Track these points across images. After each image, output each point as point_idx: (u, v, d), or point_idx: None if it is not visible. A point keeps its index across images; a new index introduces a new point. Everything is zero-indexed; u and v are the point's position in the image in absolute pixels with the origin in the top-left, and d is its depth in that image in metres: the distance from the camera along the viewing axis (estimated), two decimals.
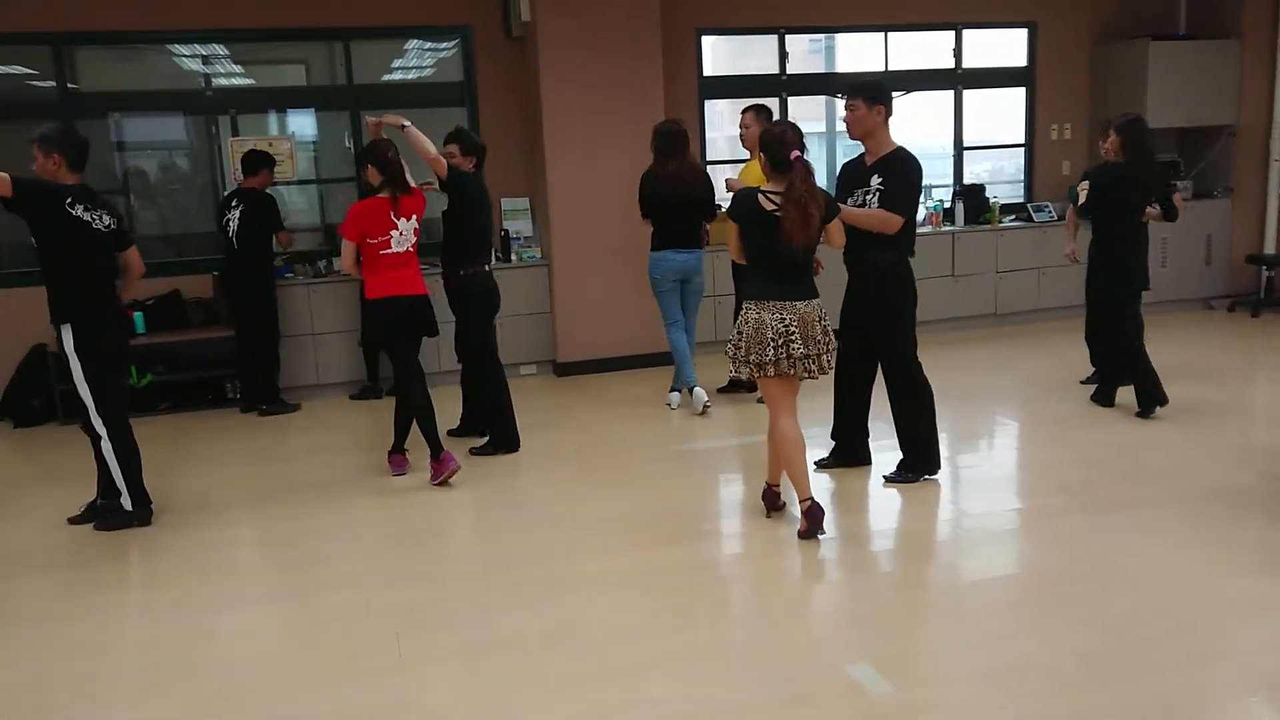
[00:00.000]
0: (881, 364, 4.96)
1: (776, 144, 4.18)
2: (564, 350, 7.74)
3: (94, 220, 4.61)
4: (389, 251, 5.21)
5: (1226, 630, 3.41)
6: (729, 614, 3.77)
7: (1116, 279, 6.02)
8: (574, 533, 4.59)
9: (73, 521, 4.91)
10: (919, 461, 5.02)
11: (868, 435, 5.21)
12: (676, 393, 6.63)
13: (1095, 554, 4.06)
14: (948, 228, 8.78)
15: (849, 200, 4.79)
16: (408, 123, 5.27)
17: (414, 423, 5.40)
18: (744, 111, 6.47)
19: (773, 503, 4.61)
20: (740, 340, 4.29)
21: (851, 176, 4.87)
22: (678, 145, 6.27)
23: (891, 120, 4.76)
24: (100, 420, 4.71)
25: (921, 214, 8.76)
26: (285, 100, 8.15)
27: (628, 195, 6.58)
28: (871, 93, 4.70)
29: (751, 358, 4.24)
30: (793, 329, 4.18)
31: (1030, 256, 8.85)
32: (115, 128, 7.58)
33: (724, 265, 7.13)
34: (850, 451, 5.21)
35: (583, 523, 4.72)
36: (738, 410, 6.58)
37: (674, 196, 6.27)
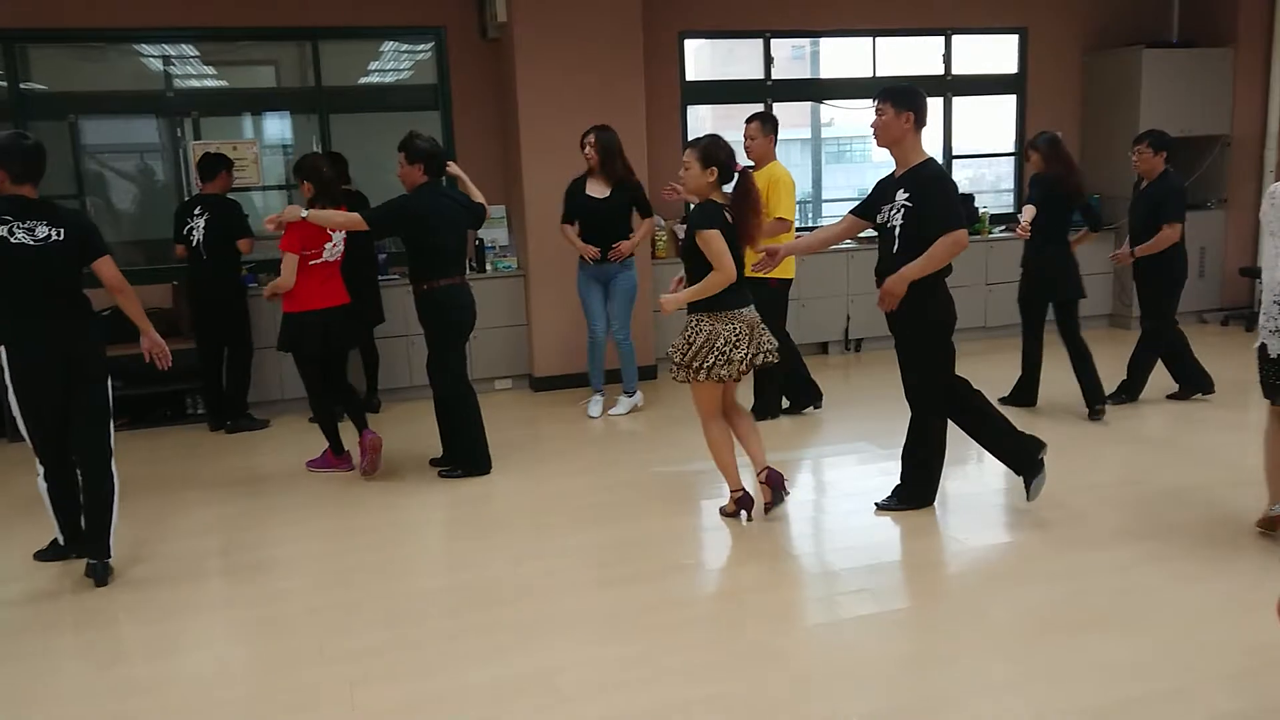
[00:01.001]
0: (905, 387, 4.70)
1: (730, 159, 4.40)
2: (540, 364, 7.46)
3: (11, 234, 4.04)
4: (319, 261, 5.40)
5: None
6: (710, 661, 3.49)
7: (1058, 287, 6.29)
8: (547, 565, 4.32)
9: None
10: (910, 492, 4.79)
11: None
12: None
13: (1098, 595, 3.82)
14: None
15: (876, 218, 4.54)
16: (305, 212, 5.16)
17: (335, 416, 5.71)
18: (748, 122, 6.26)
19: (749, 505, 4.69)
20: (689, 350, 4.40)
21: (880, 192, 4.58)
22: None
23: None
24: (37, 456, 4.33)
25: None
26: (251, 102, 7.84)
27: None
28: (900, 97, 4.38)
29: (707, 362, 4.36)
30: (742, 335, 4.38)
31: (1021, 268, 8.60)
32: (72, 130, 7.25)
33: None
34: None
35: (556, 553, 4.45)
36: None
37: (590, 205, 6.33)
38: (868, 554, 4.36)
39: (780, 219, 6.06)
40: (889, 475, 5.00)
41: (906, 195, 4.38)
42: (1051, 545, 4.33)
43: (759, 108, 8.48)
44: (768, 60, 8.45)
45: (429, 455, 5.79)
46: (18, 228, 4.09)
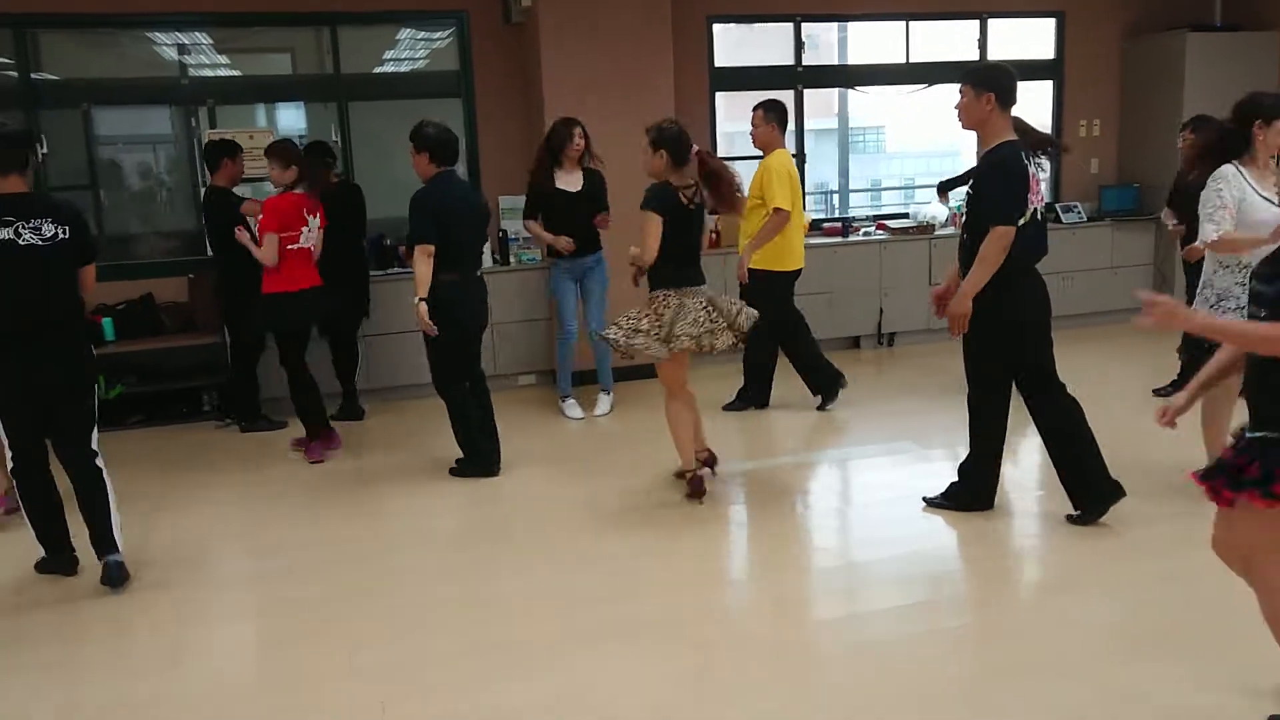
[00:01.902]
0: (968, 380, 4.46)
1: (677, 141, 4.58)
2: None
3: (19, 235, 3.84)
4: (296, 246, 5.50)
5: None
6: (760, 682, 3.26)
7: None
8: (575, 573, 4.11)
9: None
10: (966, 494, 4.56)
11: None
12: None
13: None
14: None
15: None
16: (419, 298, 5.02)
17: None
18: (755, 109, 6.08)
19: (698, 486, 4.82)
20: (660, 323, 4.52)
21: (966, 178, 4.38)
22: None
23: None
24: (14, 459, 4.08)
25: (944, 214, 8.30)
26: (267, 91, 7.64)
27: (634, 192, 6.08)
28: (980, 77, 4.13)
29: (676, 331, 4.49)
30: (706, 308, 4.59)
31: (1059, 260, 8.32)
32: (85, 119, 7.06)
33: None
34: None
35: (583, 560, 4.23)
36: (744, 430, 6.12)
37: (562, 197, 6.13)
38: (921, 562, 4.12)
39: (778, 209, 5.87)
40: (934, 477, 4.78)
41: (972, 182, 4.21)
42: (1115, 553, 4.09)
43: (789, 94, 8.32)
44: (798, 45, 8.19)
45: (439, 456, 5.56)
46: (24, 228, 3.86)
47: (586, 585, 3.99)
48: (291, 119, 7.80)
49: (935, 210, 8.30)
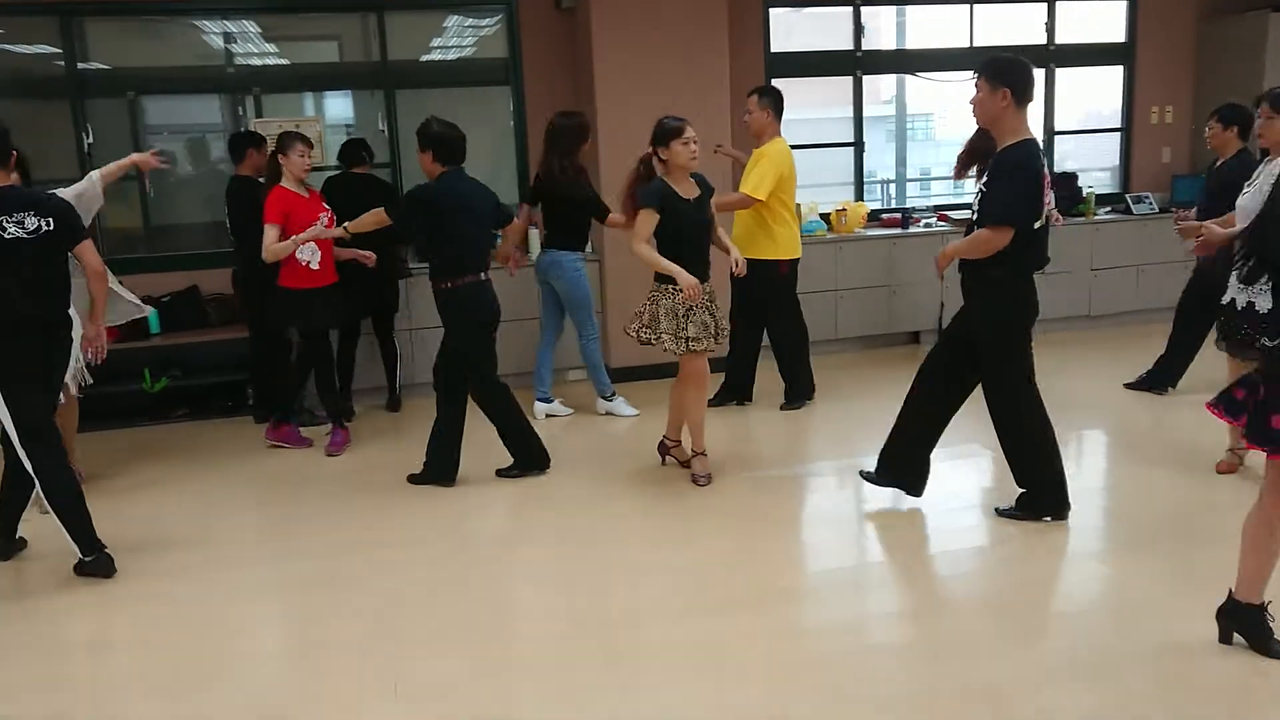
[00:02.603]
0: (984, 390, 4.29)
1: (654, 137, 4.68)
2: (616, 354, 7.03)
3: (3, 230, 3.89)
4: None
5: None
6: (848, 714, 3.05)
7: None
8: (632, 587, 3.90)
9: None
10: (1038, 501, 4.31)
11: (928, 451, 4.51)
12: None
13: None
14: (1037, 222, 7.93)
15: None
16: (346, 226, 5.23)
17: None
18: (749, 95, 5.93)
19: (666, 452, 5.15)
20: (681, 321, 4.65)
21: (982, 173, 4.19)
22: (564, 140, 5.79)
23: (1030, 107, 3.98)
24: (24, 452, 4.03)
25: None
26: (314, 79, 7.51)
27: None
28: (994, 71, 3.94)
29: (685, 334, 4.65)
30: (700, 313, 4.68)
31: (1129, 252, 8.02)
32: (132, 108, 6.97)
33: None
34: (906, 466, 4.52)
35: (640, 572, 4.03)
36: (789, 429, 5.89)
37: (554, 195, 5.87)
38: (1009, 586, 3.88)
39: (746, 194, 5.76)
40: (1006, 482, 4.52)
41: (985, 179, 4.03)
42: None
43: (848, 82, 8.05)
44: (857, 29, 7.91)
45: (484, 457, 5.34)
46: (8, 221, 3.91)
47: (649, 597, 3.79)
48: (338, 107, 7.67)
49: None
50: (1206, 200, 5.59)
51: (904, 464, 4.49)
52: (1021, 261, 4.01)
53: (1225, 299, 3.95)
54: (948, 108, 8.93)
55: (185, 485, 5.29)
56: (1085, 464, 5.41)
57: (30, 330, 3.99)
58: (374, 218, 5.05)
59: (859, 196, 8.26)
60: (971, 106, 4.04)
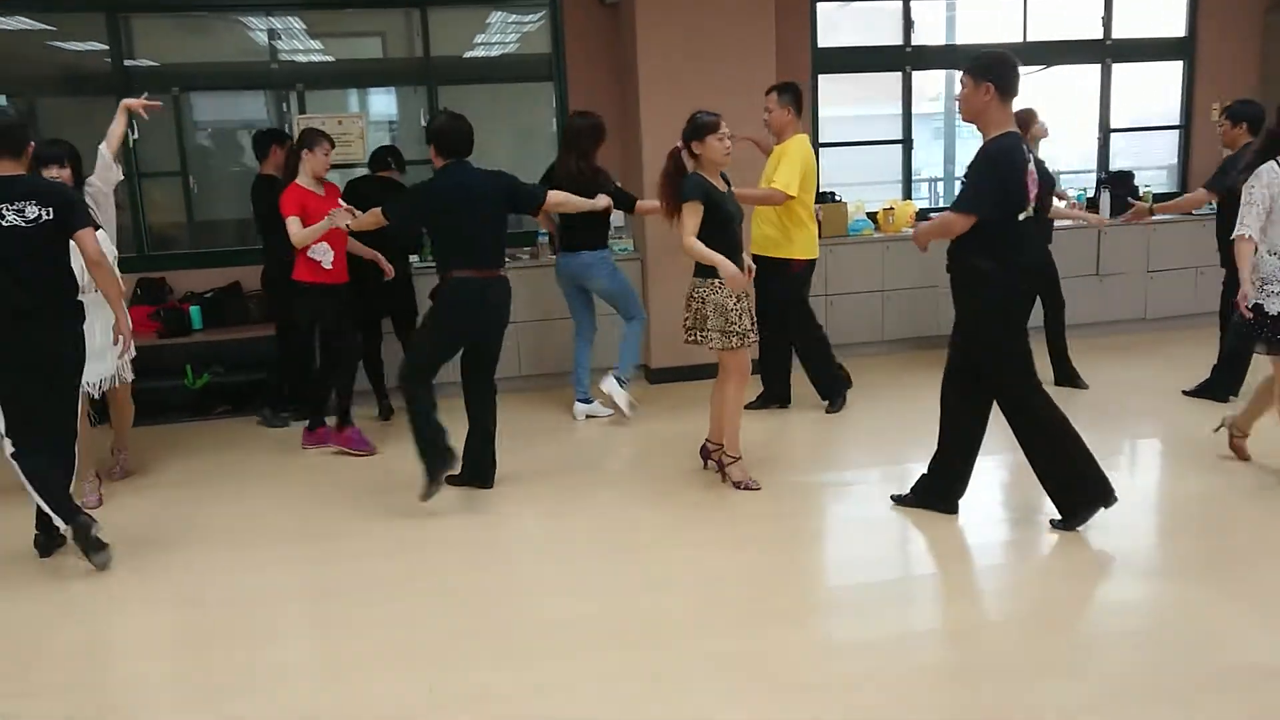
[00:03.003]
0: (998, 403, 4.23)
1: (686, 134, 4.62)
2: (657, 354, 6.94)
3: (2, 217, 3.96)
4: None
5: None
6: None
7: None
8: (677, 595, 3.79)
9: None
10: (1078, 503, 4.16)
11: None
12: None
13: None
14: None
15: None
16: (350, 221, 5.15)
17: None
18: (768, 92, 5.79)
19: (709, 456, 5.01)
20: (730, 314, 4.61)
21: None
22: (581, 141, 5.77)
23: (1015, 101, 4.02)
24: (9, 440, 4.08)
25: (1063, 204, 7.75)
26: (358, 75, 7.49)
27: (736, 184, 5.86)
28: (977, 67, 3.98)
29: (733, 329, 4.62)
30: (742, 300, 4.67)
31: (1187, 254, 7.76)
32: (176, 104, 6.98)
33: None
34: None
35: (686, 580, 3.92)
36: (830, 434, 5.75)
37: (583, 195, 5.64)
38: (1056, 602, 3.73)
39: (775, 189, 5.62)
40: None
41: (966, 173, 4.08)
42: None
43: (890, 78, 7.88)
44: (907, 24, 7.74)
45: (517, 459, 5.29)
46: (7, 209, 3.98)
47: (696, 606, 3.69)
48: (381, 104, 7.65)
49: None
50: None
51: (939, 492, 4.42)
52: (1006, 254, 3.99)
53: (1249, 302, 4.38)
54: None
55: (223, 486, 5.26)
56: (1139, 474, 5.24)
57: (25, 320, 4.02)
58: (372, 217, 4.92)
59: (906, 195, 8.09)
60: (957, 104, 4.11)
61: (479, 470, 4.94)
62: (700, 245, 4.53)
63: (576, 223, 5.83)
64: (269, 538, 4.56)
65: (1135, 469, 5.31)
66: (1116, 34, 8.07)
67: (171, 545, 4.44)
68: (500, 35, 7.52)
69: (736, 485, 4.81)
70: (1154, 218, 6.99)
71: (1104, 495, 4.12)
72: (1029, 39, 7.92)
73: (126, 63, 6.79)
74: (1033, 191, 3.97)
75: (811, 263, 5.93)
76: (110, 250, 4.78)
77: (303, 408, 6.00)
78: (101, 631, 3.79)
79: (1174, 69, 8.27)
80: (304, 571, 4.20)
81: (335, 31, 7.33)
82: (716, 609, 3.68)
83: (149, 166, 6.92)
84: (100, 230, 4.56)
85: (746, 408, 5.91)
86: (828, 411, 6.05)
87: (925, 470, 4.47)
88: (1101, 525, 4.16)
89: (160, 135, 6.90)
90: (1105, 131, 8.24)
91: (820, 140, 7.76)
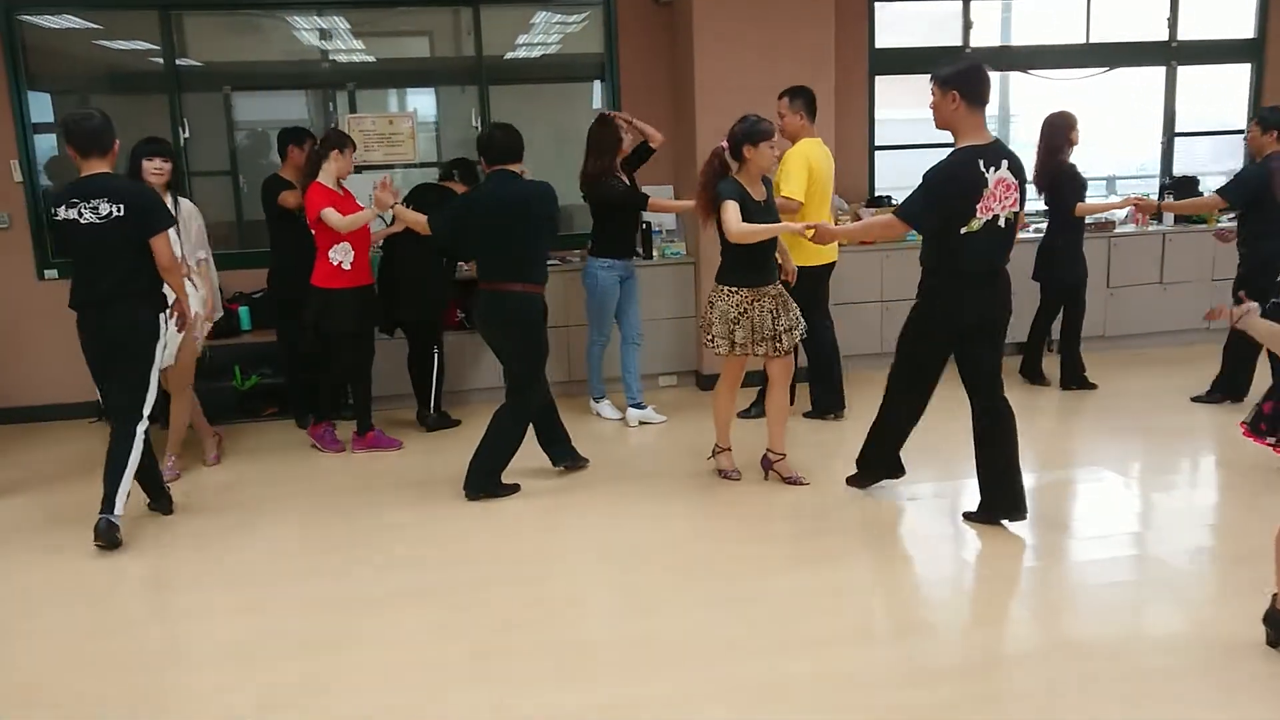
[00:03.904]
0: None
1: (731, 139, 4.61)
2: (710, 360, 6.79)
3: (80, 215, 4.28)
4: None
5: None
6: None
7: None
8: (739, 615, 3.65)
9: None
10: (995, 504, 4.32)
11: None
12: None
13: None
14: (1155, 227, 7.50)
15: None
16: (389, 213, 5.23)
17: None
18: (780, 96, 5.67)
19: (770, 466, 5.01)
20: (734, 324, 4.64)
21: None
22: (600, 145, 5.77)
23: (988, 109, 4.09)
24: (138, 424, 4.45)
25: (1123, 212, 7.55)
26: (408, 74, 7.42)
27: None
28: (944, 76, 3.99)
29: (734, 339, 4.63)
30: (767, 310, 4.65)
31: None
32: (226, 103, 6.94)
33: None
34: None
35: (747, 599, 3.77)
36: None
37: (592, 198, 5.88)
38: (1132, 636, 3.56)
39: (787, 197, 5.45)
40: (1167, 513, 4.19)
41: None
42: None
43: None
44: (966, 25, 7.56)
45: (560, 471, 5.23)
46: (85, 208, 4.27)
47: (759, 627, 3.55)
48: (430, 103, 7.56)
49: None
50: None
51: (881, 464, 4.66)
52: (949, 263, 4.06)
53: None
54: (1055, 107, 8.50)
55: (270, 490, 5.19)
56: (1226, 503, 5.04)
57: (101, 309, 4.33)
58: (415, 222, 4.99)
59: None
60: (931, 111, 4.09)
61: (570, 454, 5.19)
62: (752, 225, 4.51)
63: (598, 227, 5.93)
64: (320, 545, 4.48)
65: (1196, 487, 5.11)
66: (1183, 36, 7.84)
67: (226, 552, 4.39)
68: (552, 34, 7.41)
69: (721, 474, 5.02)
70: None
71: (1015, 509, 4.28)
72: (1092, 40, 7.72)
73: (178, 62, 6.75)
74: (995, 202, 3.96)
75: (830, 266, 5.81)
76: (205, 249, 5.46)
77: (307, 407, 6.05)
78: (172, 644, 3.71)
79: (1242, 72, 8.02)
80: (354, 580, 4.10)
81: (385, 31, 7.25)
82: (788, 626, 3.54)
83: (198, 166, 6.87)
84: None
85: (805, 415, 5.95)
86: (806, 415, 6.08)
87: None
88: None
89: (211, 134, 6.85)
90: (1170, 135, 8.02)
91: (876, 143, 7.61)
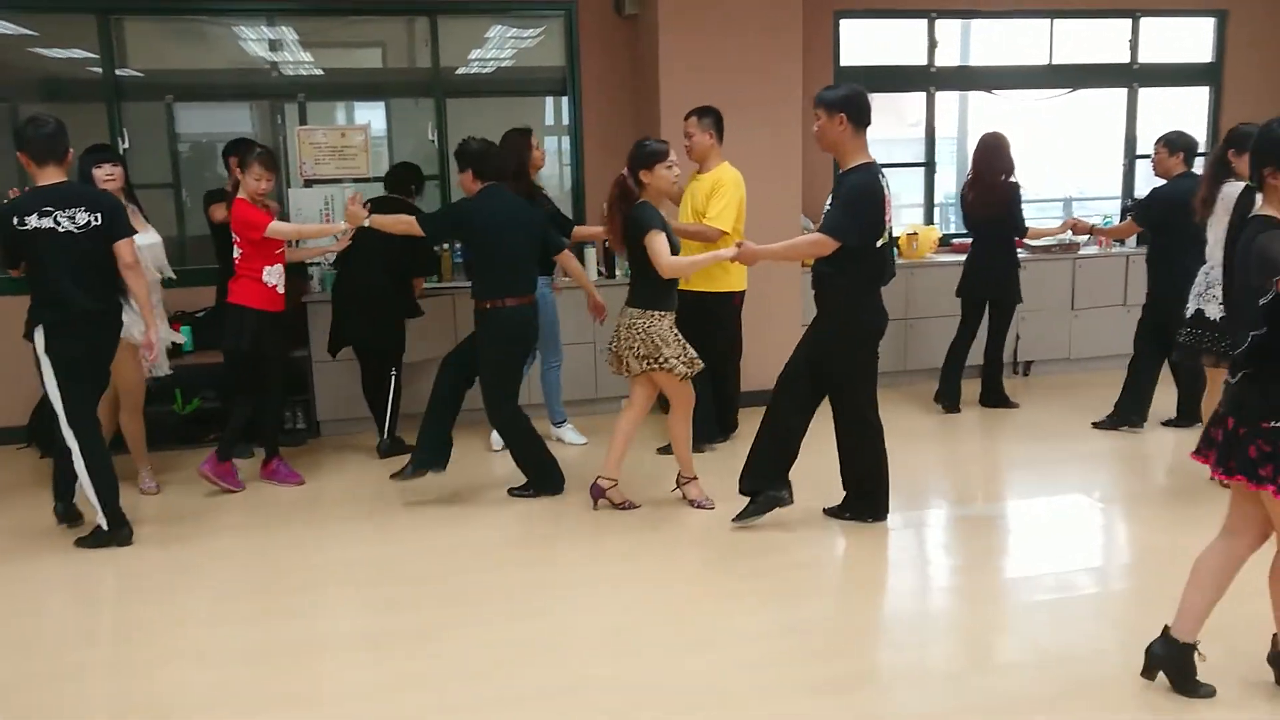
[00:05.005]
0: (831, 403, 4.46)
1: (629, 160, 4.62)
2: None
3: (58, 224, 4.22)
4: (282, 250, 5.11)
5: None
6: None
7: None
8: (739, 653, 3.44)
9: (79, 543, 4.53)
10: (863, 506, 4.54)
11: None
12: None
13: None
14: (1118, 249, 7.46)
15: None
16: (367, 220, 4.93)
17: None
18: (687, 117, 5.45)
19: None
20: (679, 345, 4.58)
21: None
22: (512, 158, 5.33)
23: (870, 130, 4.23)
24: (70, 430, 4.35)
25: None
26: (361, 86, 7.18)
27: (758, 202, 5.71)
28: (830, 100, 4.15)
29: (689, 356, 4.60)
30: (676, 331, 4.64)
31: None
32: (169, 113, 6.62)
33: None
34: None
35: (746, 637, 3.57)
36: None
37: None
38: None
39: (706, 225, 5.29)
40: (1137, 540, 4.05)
41: (830, 201, 4.25)
42: None
43: (920, 97, 7.65)
44: (931, 44, 7.50)
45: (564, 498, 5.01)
46: (61, 216, 4.22)
47: (762, 666, 3.34)
48: (383, 116, 7.31)
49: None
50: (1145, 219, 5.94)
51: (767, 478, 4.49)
52: (864, 275, 4.23)
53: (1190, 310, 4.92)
54: (1015, 126, 8.48)
55: (213, 522, 4.89)
56: None
57: (88, 322, 4.31)
58: (404, 224, 4.86)
59: (929, 220, 7.84)
60: (816, 136, 4.23)
61: (552, 478, 5.08)
62: (687, 258, 4.58)
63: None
64: (269, 583, 4.19)
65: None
66: (1144, 59, 7.86)
67: (173, 591, 4.07)
68: (502, 49, 7.20)
69: (693, 504, 4.81)
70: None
71: (877, 511, 4.53)
72: (1055, 62, 7.71)
73: (118, 71, 6.43)
74: (889, 219, 4.20)
75: (743, 293, 5.61)
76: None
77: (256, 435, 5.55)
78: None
79: (1200, 95, 8.06)
80: (343, 621, 3.82)
81: (332, 41, 7.00)
82: (766, 671, 3.33)
83: (139, 178, 6.52)
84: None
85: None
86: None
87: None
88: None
89: (154, 145, 6.54)
90: (1131, 157, 8.02)
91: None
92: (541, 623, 3.75)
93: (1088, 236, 7.23)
